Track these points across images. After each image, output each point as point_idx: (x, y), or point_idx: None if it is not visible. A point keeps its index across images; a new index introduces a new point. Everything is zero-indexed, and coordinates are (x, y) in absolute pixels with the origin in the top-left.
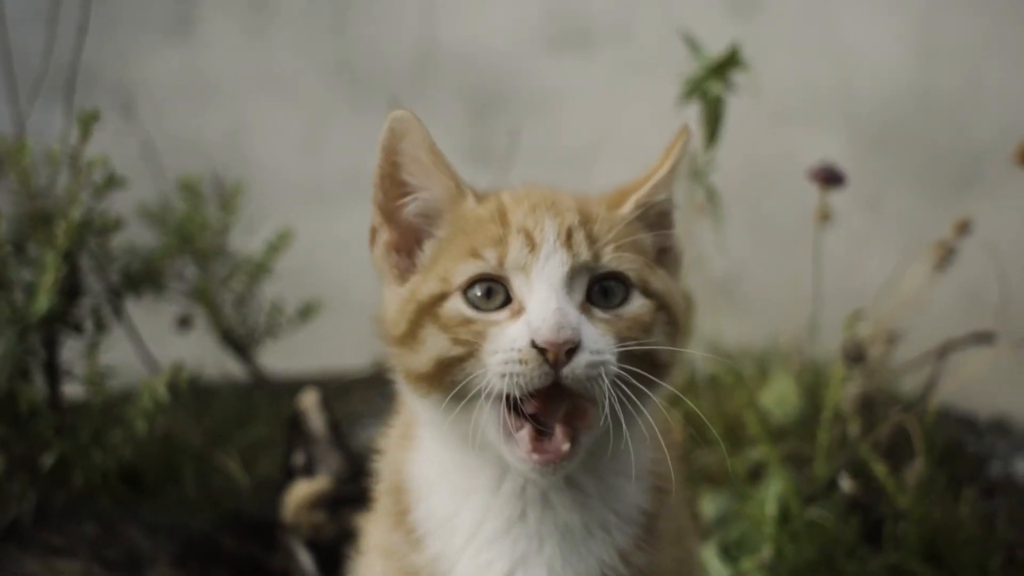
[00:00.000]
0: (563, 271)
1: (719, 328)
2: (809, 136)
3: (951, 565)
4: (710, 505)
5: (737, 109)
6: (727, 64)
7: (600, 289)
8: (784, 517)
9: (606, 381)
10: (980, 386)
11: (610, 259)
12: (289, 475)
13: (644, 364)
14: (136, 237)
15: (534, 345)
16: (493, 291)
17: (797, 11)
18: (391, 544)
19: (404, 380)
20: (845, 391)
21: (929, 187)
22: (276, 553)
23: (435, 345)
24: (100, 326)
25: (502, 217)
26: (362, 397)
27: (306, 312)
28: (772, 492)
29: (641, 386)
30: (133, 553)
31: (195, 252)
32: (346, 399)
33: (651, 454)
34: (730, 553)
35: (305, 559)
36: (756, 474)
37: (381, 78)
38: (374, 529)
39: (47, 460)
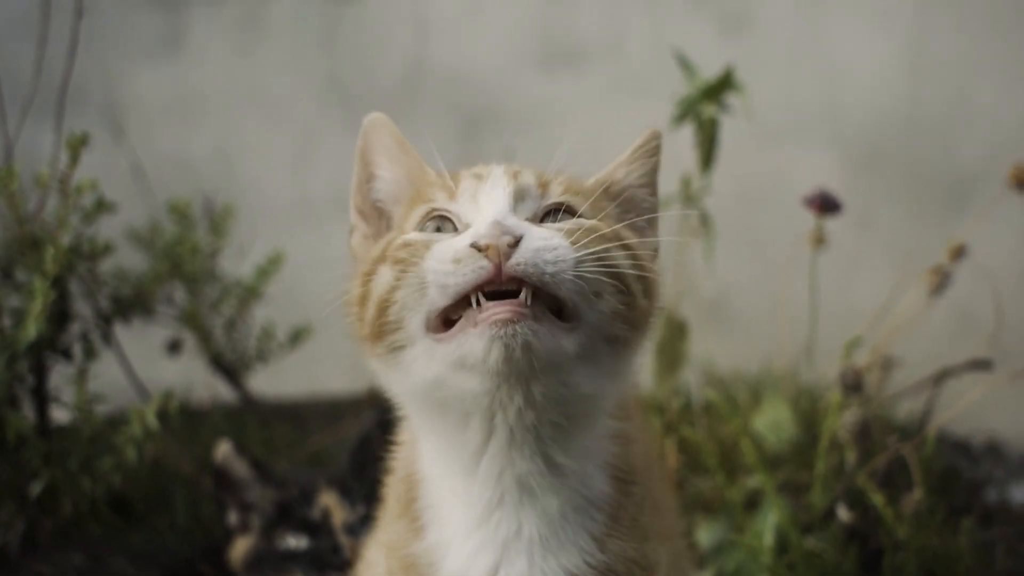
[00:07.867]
0: (508, 192)
1: (712, 352)
2: (798, 156)
3: None
4: (706, 534)
5: (726, 129)
6: (722, 86)
7: (551, 219)
8: (782, 547)
9: (566, 265)
10: (972, 410)
11: (559, 191)
12: (227, 535)
13: (607, 274)
14: (125, 260)
15: (474, 247)
16: (443, 229)
17: (786, 31)
18: (394, 535)
19: (361, 347)
20: (842, 419)
21: (919, 206)
22: None
23: (379, 285)
24: (89, 352)
25: (453, 175)
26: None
27: (296, 337)
28: (769, 521)
29: (612, 298)
30: None
31: (185, 276)
32: (337, 425)
33: (613, 448)
34: None
35: None
36: (752, 502)
37: (371, 96)
38: (381, 525)
39: (35, 488)
